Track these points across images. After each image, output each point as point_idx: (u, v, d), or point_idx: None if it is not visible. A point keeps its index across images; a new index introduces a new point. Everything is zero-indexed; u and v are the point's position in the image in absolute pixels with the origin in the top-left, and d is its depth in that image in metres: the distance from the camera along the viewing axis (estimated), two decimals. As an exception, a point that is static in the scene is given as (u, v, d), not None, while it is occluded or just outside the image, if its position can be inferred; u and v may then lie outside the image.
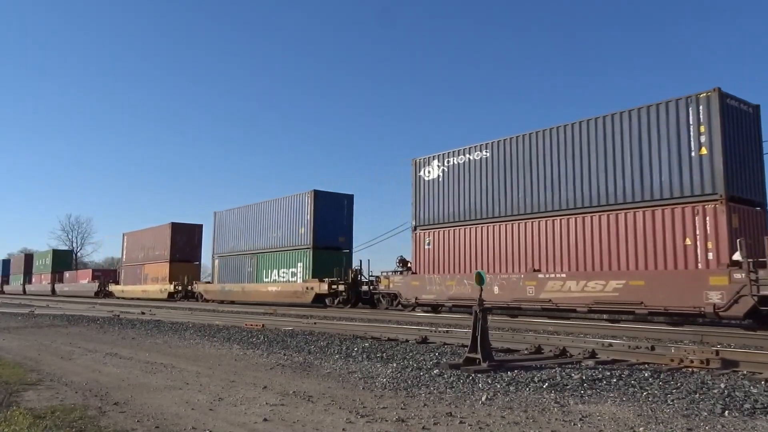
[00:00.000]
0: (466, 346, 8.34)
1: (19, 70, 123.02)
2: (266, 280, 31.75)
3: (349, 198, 30.83)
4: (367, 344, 10.83)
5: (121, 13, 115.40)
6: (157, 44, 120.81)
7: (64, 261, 69.76)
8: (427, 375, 7.47)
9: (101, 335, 14.32)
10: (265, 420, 5.23)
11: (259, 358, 9.56)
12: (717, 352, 7.89)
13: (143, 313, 22.89)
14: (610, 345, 9.44)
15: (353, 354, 9.76)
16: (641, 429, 4.78)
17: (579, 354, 8.79)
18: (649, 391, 6.24)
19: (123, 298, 46.54)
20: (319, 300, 27.59)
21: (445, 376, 7.35)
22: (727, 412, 5.31)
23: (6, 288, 77.48)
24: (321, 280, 27.30)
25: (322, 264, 28.44)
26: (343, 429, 4.90)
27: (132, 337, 13.53)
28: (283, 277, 30.40)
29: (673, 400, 5.81)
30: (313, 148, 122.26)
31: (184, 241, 42.98)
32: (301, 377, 7.64)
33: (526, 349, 9.46)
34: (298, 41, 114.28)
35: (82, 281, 58.66)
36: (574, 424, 4.97)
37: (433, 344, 10.73)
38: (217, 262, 36.83)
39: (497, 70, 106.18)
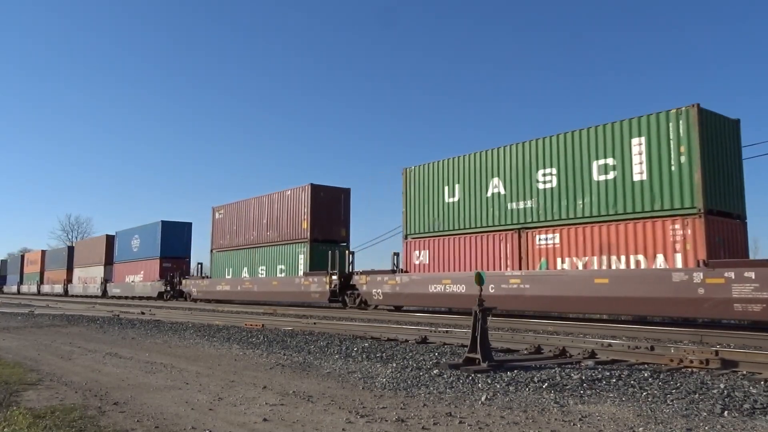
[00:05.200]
0: (466, 346, 8.34)
1: (19, 70, 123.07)
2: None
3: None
4: (366, 344, 10.83)
5: (121, 13, 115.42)
6: (157, 44, 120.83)
7: None
8: (426, 375, 7.47)
9: (101, 335, 14.31)
10: (264, 420, 5.24)
11: (258, 358, 9.56)
12: (716, 353, 7.91)
13: (143, 313, 22.90)
14: (610, 345, 9.46)
15: (353, 354, 9.76)
16: (641, 429, 4.79)
17: (578, 354, 8.79)
18: (649, 391, 6.25)
19: None
20: None
21: (445, 376, 7.36)
22: (726, 412, 5.32)
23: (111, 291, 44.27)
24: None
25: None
26: (343, 429, 4.91)
27: (132, 337, 13.52)
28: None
29: (672, 400, 5.82)
30: (312, 148, 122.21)
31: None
32: (300, 377, 7.64)
33: (526, 349, 9.46)
34: (298, 41, 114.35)
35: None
36: (573, 424, 4.97)
37: (432, 344, 10.73)
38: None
39: (497, 70, 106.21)
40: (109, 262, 47.37)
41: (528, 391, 6.44)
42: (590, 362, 8.19)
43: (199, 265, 37.73)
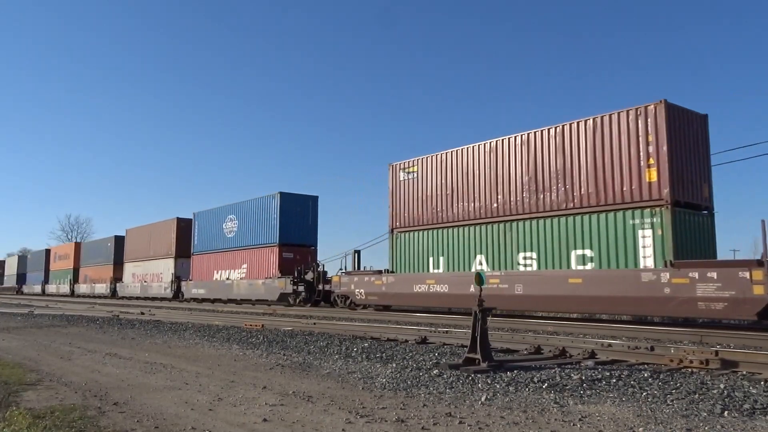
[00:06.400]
0: (466, 347, 8.34)
1: (19, 70, 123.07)
2: None
3: None
4: (366, 344, 10.82)
5: (120, 13, 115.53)
6: (157, 44, 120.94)
7: None
8: (426, 375, 7.47)
9: (101, 335, 14.31)
10: (264, 420, 5.23)
11: (258, 359, 9.55)
12: (716, 353, 7.90)
13: (143, 314, 22.88)
14: (610, 345, 9.45)
15: (353, 354, 9.75)
16: (641, 429, 4.78)
17: (578, 354, 8.79)
18: (649, 392, 6.24)
19: None
20: None
21: (445, 376, 7.35)
22: (726, 412, 5.31)
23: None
24: None
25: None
26: (343, 429, 4.90)
27: (131, 338, 13.52)
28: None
29: (672, 401, 5.81)
30: (312, 148, 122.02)
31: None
32: (300, 377, 7.63)
33: (526, 349, 9.46)
34: (298, 41, 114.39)
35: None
36: (573, 425, 4.97)
37: (432, 344, 10.72)
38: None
39: (498, 70, 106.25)
40: (182, 253, 35.45)
41: (528, 391, 6.43)
42: (590, 362, 8.18)
43: (356, 254, 25.21)
